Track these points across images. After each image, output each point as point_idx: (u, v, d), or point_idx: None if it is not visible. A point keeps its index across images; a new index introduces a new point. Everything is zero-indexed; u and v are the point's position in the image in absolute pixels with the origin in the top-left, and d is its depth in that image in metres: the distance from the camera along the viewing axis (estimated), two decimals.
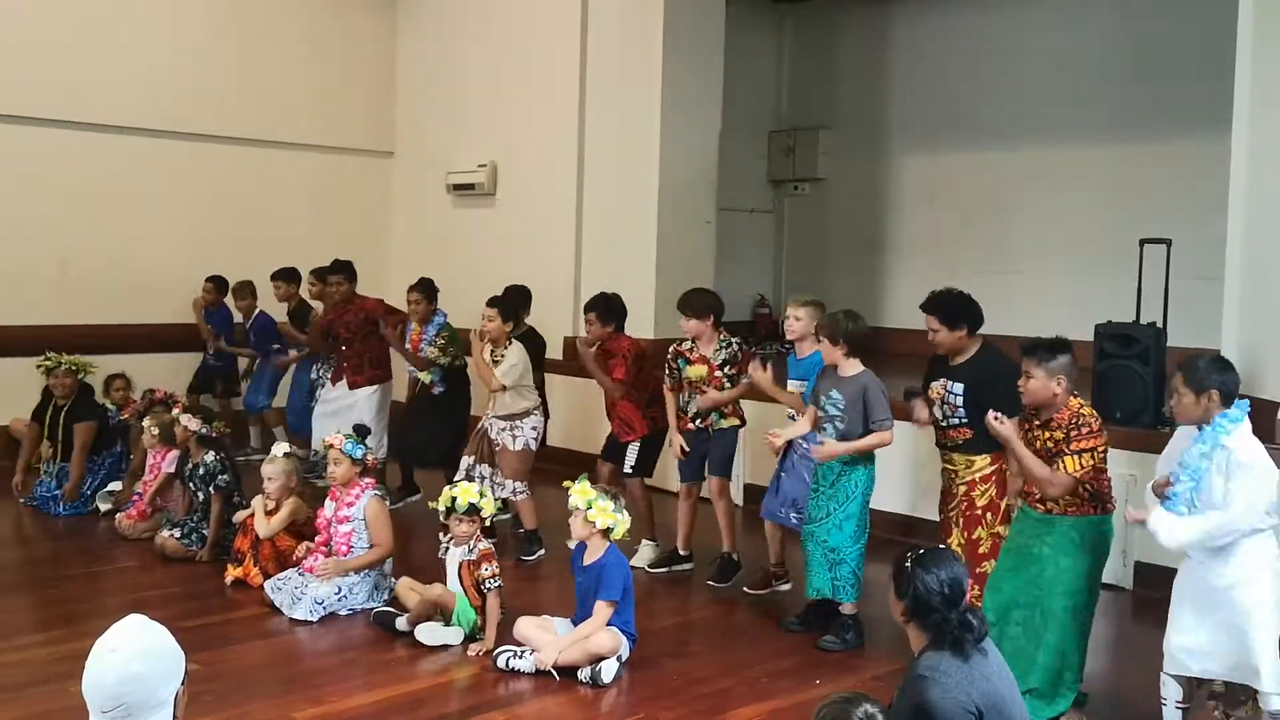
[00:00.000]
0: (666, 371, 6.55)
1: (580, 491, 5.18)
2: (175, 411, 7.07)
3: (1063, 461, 4.46)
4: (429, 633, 5.40)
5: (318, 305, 9.15)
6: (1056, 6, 10.19)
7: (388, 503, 6.35)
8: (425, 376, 7.77)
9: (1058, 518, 4.58)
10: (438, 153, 10.84)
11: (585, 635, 5.06)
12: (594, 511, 5.13)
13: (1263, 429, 4.21)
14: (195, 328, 9.79)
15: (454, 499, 5.48)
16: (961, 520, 5.32)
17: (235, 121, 10.22)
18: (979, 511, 5.28)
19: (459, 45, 10.71)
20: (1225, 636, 4.06)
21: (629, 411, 6.81)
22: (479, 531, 5.56)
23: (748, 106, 11.49)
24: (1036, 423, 4.63)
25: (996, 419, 4.56)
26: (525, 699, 4.86)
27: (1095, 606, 4.69)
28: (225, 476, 6.74)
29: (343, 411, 7.94)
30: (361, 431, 6.27)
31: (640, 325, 8.97)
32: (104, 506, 7.62)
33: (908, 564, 3.35)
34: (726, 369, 6.38)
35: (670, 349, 6.60)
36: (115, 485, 7.74)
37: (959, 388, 5.25)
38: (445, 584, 5.58)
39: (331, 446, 6.07)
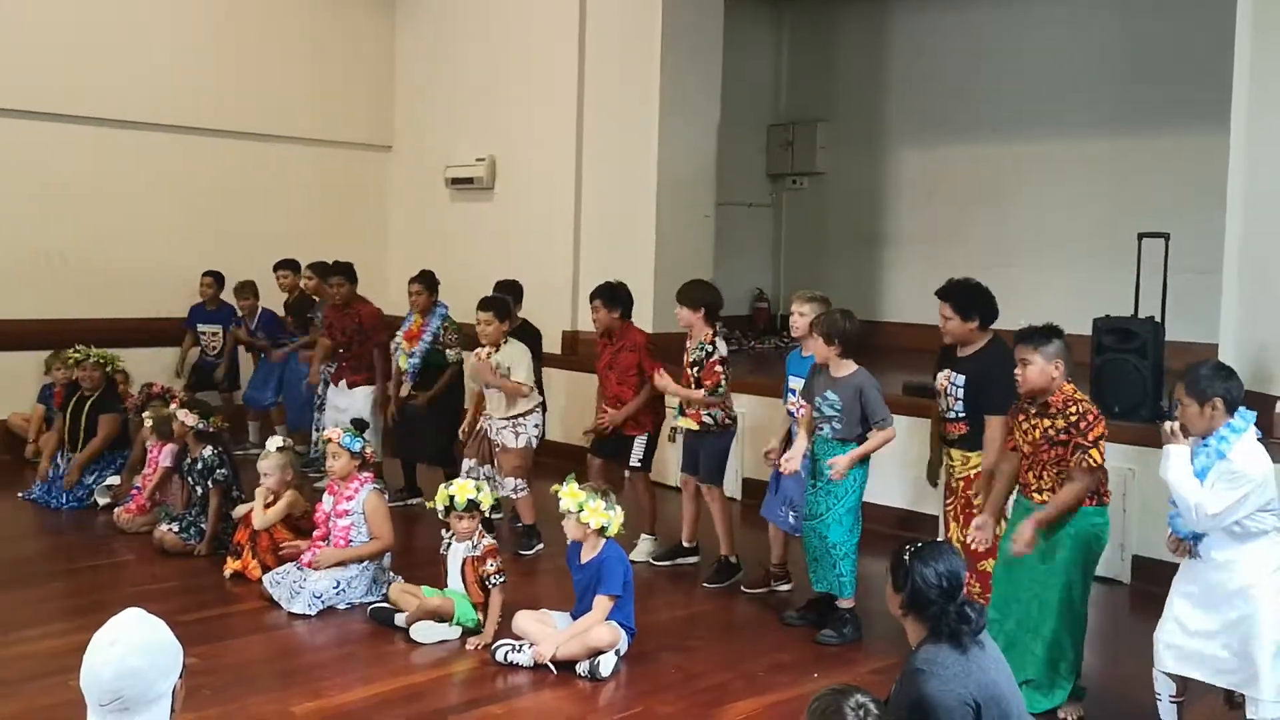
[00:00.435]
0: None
1: (569, 494, 5.14)
2: (173, 406, 7.06)
3: (1088, 455, 4.44)
4: (425, 631, 5.39)
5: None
6: (1055, 1, 10.17)
7: (386, 497, 6.35)
8: (402, 362, 7.77)
9: None
10: (436, 147, 10.83)
11: (584, 629, 5.06)
12: (586, 513, 5.11)
13: (1261, 422, 4.17)
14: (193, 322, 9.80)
15: (452, 497, 5.46)
16: (960, 517, 5.32)
17: (234, 116, 10.21)
18: (976, 508, 5.27)
19: (458, 40, 10.70)
20: (1226, 638, 4.02)
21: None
22: (481, 528, 5.56)
23: (746, 101, 11.49)
24: (1033, 410, 4.62)
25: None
26: (523, 693, 4.86)
27: (1089, 598, 4.69)
28: (223, 471, 6.73)
29: (342, 410, 7.95)
30: (359, 425, 6.27)
31: (639, 320, 8.88)
32: (102, 500, 7.62)
33: (906, 557, 3.35)
34: (695, 370, 6.31)
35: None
36: (114, 479, 7.74)
37: (961, 379, 5.24)
38: (446, 583, 5.58)
39: (330, 440, 6.08)
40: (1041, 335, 4.56)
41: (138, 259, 9.67)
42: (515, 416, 6.82)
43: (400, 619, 5.48)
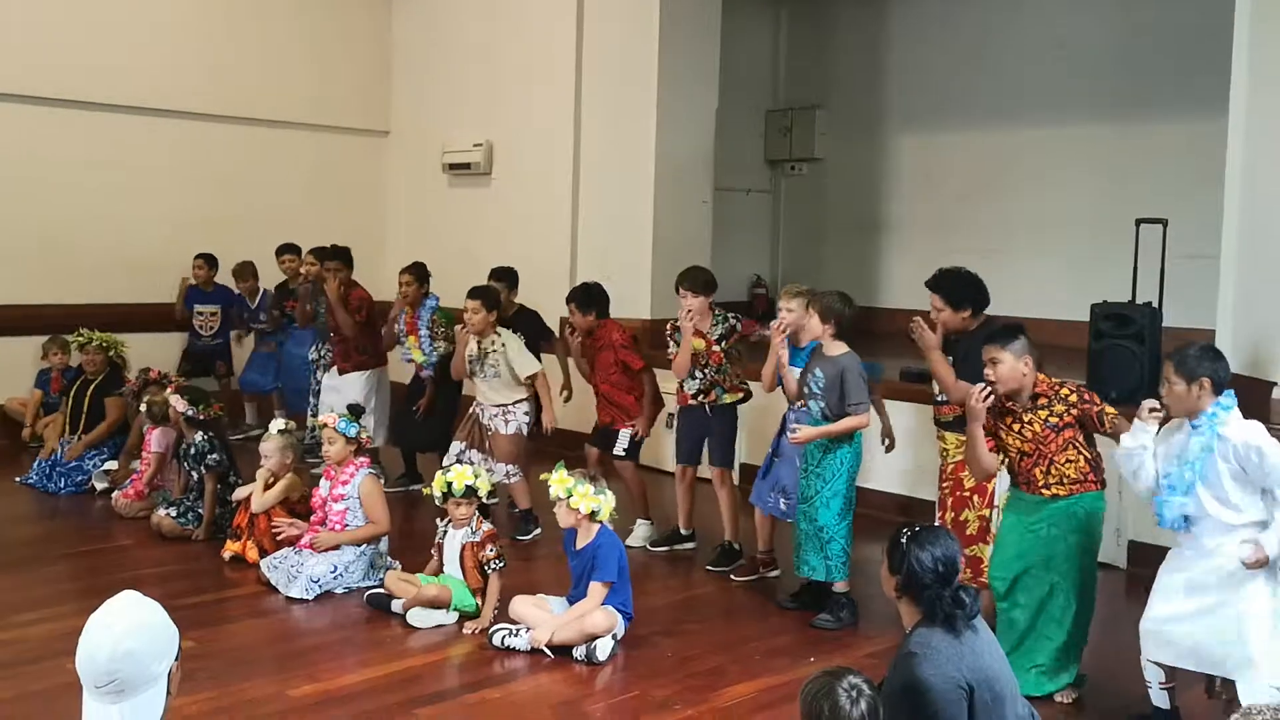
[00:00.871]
0: (670, 342, 6.53)
1: (558, 481, 5.15)
2: (167, 392, 7.06)
3: (1113, 421, 4.47)
4: (422, 616, 5.40)
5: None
6: None
7: (382, 481, 6.35)
8: (418, 356, 7.77)
9: (1064, 498, 4.58)
10: (433, 132, 10.79)
11: (581, 615, 5.07)
12: (575, 499, 5.12)
13: (1258, 408, 4.19)
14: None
15: (450, 483, 5.47)
16: (950, 500, 5.33)
17: (230, 100, 10.17)
18: (966, 493, 5.29)
19: (455, 26, 10.66)
20: (1214, 624, 4.03)
21: (623, 398, 6.80)
22: (478, 514, 5.56)
23: (745, 86, 11.45)
24: (1020, 409, 4.62)
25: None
26: (520, 676, 4.88)
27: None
28: (215, 456, 6.72)
29: (335, 395, 7.95)
30: (355, 410, 6.27)
31: (637, 305, 8.99)
32: (100, 485, 7.63)
33: (903, 540, 3.37)
34: (723, 343, 6.37)
35: (668, 325, 6.58)
36: (111, 464, 7.75)
37: (951, 360, 5.24)
38: (442, 569, 5.59)
39: (325, 426, 6.08)
40: (1006, 334, 4.63)
41: (134, 244, 9.64)
42: (506, 405, 6.84)
43: (396, 604, 5.49)
